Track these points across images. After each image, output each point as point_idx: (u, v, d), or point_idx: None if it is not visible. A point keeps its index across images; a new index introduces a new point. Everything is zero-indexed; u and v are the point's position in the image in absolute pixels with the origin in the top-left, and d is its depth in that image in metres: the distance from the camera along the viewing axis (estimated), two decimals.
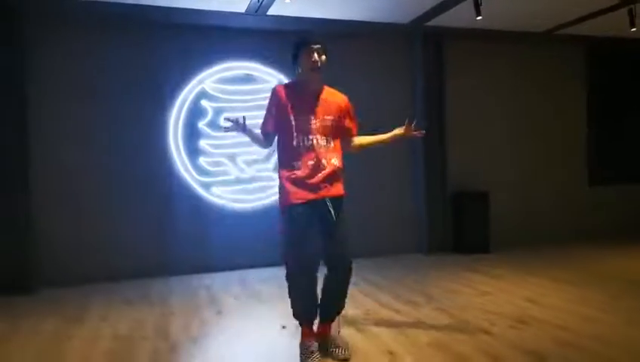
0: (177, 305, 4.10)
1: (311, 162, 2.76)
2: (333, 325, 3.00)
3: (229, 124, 2.83)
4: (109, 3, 4.58)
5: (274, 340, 3.21)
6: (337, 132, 2.89)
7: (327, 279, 2.87)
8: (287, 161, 2.81)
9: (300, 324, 2.89)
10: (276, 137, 2.92)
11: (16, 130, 4.61)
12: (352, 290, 4.10)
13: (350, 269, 2.86)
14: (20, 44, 4.64)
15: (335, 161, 2.83)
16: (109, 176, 5.02)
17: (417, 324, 3.39)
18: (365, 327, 3.36)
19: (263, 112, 2.92)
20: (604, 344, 2.93)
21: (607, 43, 6.51)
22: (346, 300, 2.99)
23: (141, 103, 5.11)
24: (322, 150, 2.79)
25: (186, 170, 5.23)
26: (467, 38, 6.02)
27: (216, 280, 4.90)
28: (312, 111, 2.80)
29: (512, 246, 6.00)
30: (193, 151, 5.25)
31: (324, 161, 2.78)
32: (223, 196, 5.33)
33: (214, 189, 5.31)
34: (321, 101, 2.85)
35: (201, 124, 5.27)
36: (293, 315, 2.90)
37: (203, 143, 5.27)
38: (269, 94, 2.91)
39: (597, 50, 6.68)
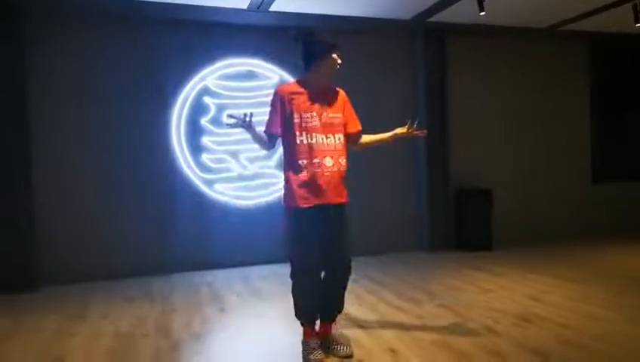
0: (179, 302, 4.10)
1: (316, 160, 2.75)
2: (334, 325, 3.00)
3: (232, 121, 2.80)
4: (110, 0, 4.56)
5: (276, 338, 3.21)
6: (343, 130, 2.87)
7: (326, 279, 2.87)
8: (293, 160, 2.79)
9: (302, 324, 2.88)
10: (280, 138, 2.89)
11: (16, 129, 4.61)
12: (354, 288, 4.14)
13: (349, 268, 2.86)
14: (20, 42, 4.63)
15: (342, 160, 2.82)
16: (111, 174, 5.01)
17: (420, 322, 3.38)
18: (368, 325, 3.35)
19: (265, 109, 2.90)
20: (607, 342, 2.92)
21: (610, 39, 6.47)
22: (347, 298, 2.97)
23: (143, 101, 5.10)
24: (327, 148, 2.77)
25: (189, 166, 5.23)
26: (469, 34, 6.00)
27: (219, 278, 4.90)
28: (317, 109, 2.79)
29: (515, 243, 5.99)
30: (196, 148, 5.24)
31: (329, 160, 2.77)
32: (225, 193, 5.33)
33: (217, 186, 5.31)
34: (327, 99, 2.84)
35: (204, 121, 5.26)
36: (295, 315, 2.90)
37: (205, 140, 5.27)
38: (271, 92, 2.90)
39: (600, 46, 6.64)
